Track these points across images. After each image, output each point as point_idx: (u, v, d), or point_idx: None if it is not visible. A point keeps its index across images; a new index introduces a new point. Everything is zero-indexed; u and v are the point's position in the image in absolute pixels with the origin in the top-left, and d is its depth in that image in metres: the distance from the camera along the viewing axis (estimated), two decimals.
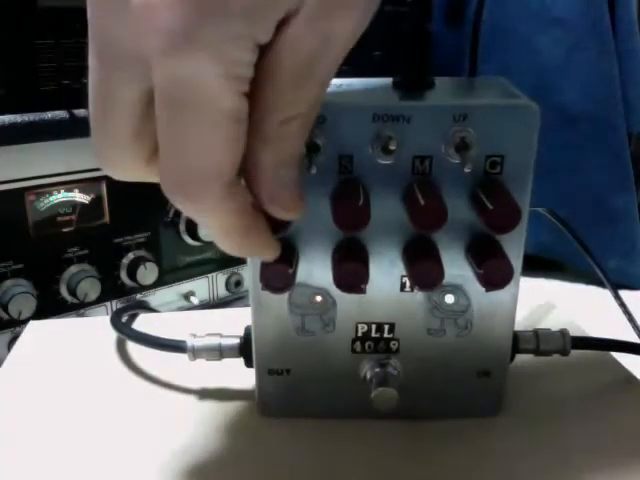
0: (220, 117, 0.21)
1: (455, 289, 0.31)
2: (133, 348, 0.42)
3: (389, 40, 0.82)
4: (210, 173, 0.22)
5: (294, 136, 0.23)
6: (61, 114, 0.65)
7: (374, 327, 0.32)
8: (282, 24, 0.20)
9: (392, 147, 0.28)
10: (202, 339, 0.35)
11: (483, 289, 0.29)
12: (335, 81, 0.30)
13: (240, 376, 0.36)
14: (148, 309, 0.53)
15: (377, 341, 0.33)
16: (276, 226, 0.27)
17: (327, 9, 0.20)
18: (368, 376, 0.32)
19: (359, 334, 0.33)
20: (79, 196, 0.69)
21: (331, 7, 0.20)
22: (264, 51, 0.21)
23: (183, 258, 0.79)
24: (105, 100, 0.23)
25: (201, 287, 0.82)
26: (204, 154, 0.21)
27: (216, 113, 0.21)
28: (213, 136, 0.21)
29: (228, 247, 0.25)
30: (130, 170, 0.25)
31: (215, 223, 0.24)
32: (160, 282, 0.77)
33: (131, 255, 0.73)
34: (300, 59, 0.21)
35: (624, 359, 0.40)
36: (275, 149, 0.23)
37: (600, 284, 0.45)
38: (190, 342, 0.35)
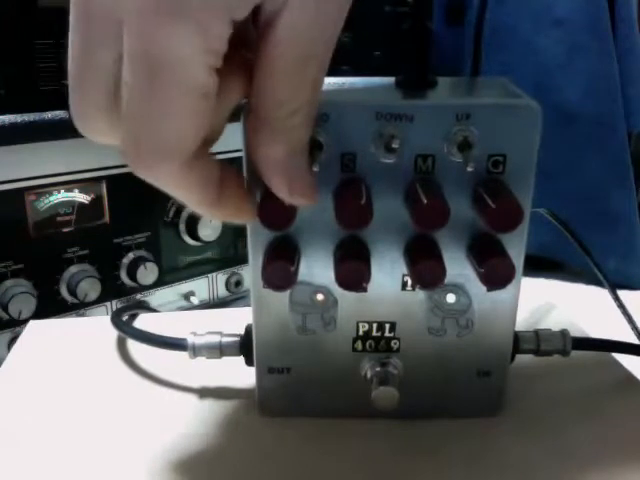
0: (188, 89, 0.21)
1: (456, 288, 0.31)
2: (133, 348, 0.42)
3: (389, 40, 0.82)
4: (169, 144, 0.22)
5: (302, 124, 0.23)
6: (61, 114, 0.65)
7: (375, 326, 0.32)
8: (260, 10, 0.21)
9: (395, 146, 0.28)
10: (202, 337, 0.35)
11: (484, 288, 0.29)
12: (337, 80, 0.30)
13: (240, 374, 0.36)
14: (148, 309, 0.53)
15: (378, 340, 0.33)
16: (278, 223, 0.27)
17: None
18: (369, 375, 0.32)
19: (360, 333, 0.33)
20: (79, 196, 0.68)
21: None
22: (261, 46, 0.21)
23: (183, 258, 0.79)
24: (83, 59, 0.23)
25: (201, 287, 0.82)
26: (166, 124, 0.21)
27: (185, 84, 0.21)
28: (178, 107, 0.21)
29: (199, 212, 0.26)
30: (105, 133, 0.25)
31: (177, 194, 0.24)
32: (160, 282, 0.76)
33: (131, 255, 0.73)
34: (299, 45, 0.21)
35: (624, 359, 0.40)
36: (285, 140, 0.23)
37: (600, 284, 0.45)
38: (190, 340, 0.35)
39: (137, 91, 0.21)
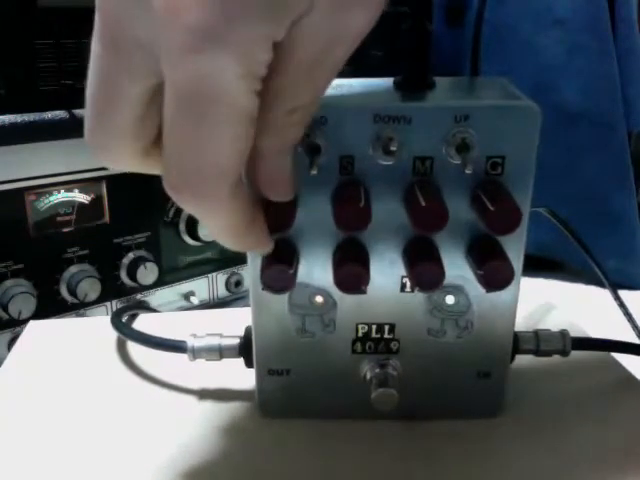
0: (235, 116, 0.21)
1: (455, 290, 0.31)
2: (133, 348, 0.42)
3: (389, 40, 0.82)
4: (220, 171, 0.22)
5: (298, 124, 0.23)
6: (61, 114, 0.65)
7: (374, 328, 0.32)
8: (296, 20, 0.21)
9: (393, 148, 0.28)
10: (202, 339, 0.35)
11: (483, 290, 0.29)
12: (335, 81, 0.30)
13: (240, 376, 0.36)
14: (148, 309, 0.53)
15: (377, 342, 0.33)
16: (276, 226, 0.27)
17: (343, 5, 0.21)
18: (368, 376, 0.32)
19: (359, 334, 0.33)
20: (79, 196, 0.68)
21: (347, 3, 0.21)
22: (276, 45, 0.21)
23: (183, 258, 0.79)
24: (109, 89, 0.23)
25: (201, 287, 0.82)
26: (216, 152, 0.21)
27: (232, 112, 0.21)
28: (226, 135, 0.21)
29: (227, 243, 0.26)
30: (127, 161, 0.25)
31: (218, 222, 0.24)
32: (160, 282, 0.77)
33: (131, 255, 0.73)
34: (314, 53, 0.21)
35: (624, 359, 0.40)
36: (278, 137, 0.23)
37: (600, 284, 0.45)
38: (190, 342, 0.35)
39: (182, 122, 0.21)
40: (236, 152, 0.22)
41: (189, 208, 0.23)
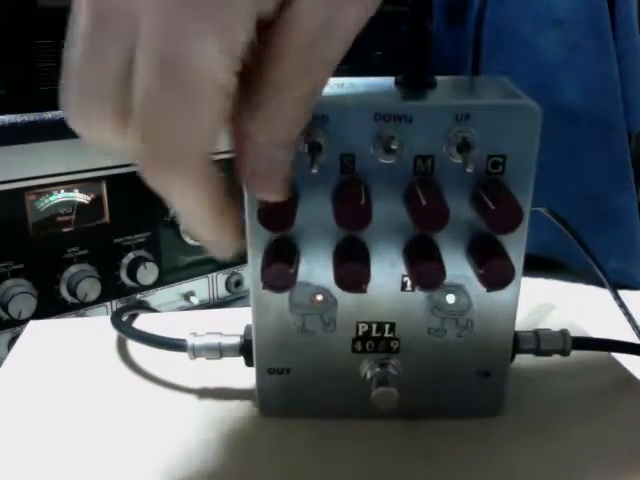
0: (212, 92, 0.21)
1: (456, 289, 0.31)
2: (133, 348, 0.42)
3: (389, 40, 0.82)
4: (193, 145, 0.21)
5: (296, 117, 0.23)
6: (61, 114, 0.64)
7: (375, 327, 0.32)
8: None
9: (394, 147, 0.28)
10: (202, 338, 0.35)
11: (484, 289, 0.29)
12: (337, 80, 0.30)
13: (240, 375, 0.36)
14: (148, 309, 0.53)
15: (378, 341, 0.33)
16: (277, 225, 0.27)
17: None
18: (368, 376, 0.32)
19: (360, 333, 0.33)
20: (79, 196, 0.68)
21: None
22: (271, 31, 0.21)
23: (183, 258, 0.79)
24: (89, 57, 0.22)
25: (201, 287, 0.82)
26: (188, 125, 0.21)
27: (209, 87, 0.20)
28: (202, 109, 0.21)
29: (200, 228, 0.25)
30: (106, 129, 0.24)
31: (185, 203, 0.23)
32: (160, 282, 0.76)
33: (131, 255, 0.73)
34: (309, 36, 0.21)
35: (624, 359, 0.40)
36: (274, 129, 0.23)
37: (600, 284, 0.45)
38: (190, 341, 0.35)
39: (156, 92, 0.21)
40: (211, 127, 0.21)
41: (157, 184, 0.22)
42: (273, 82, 0.22)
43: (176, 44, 0.20)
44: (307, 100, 0.23)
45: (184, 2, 0.19)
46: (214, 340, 0.35)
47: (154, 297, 0.77)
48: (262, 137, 0.23)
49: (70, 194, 0.68)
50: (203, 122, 0.21)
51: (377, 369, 0.32)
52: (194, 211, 0.24)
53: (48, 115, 0.64)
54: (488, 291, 0.29)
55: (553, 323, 0.43)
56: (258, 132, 0.23)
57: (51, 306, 0.68)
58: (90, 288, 0.69)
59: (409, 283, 0.31)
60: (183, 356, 0.36)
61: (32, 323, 0.47)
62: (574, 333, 0.36)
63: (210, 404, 0.36)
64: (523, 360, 0.36)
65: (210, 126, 0.21)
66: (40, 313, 0.65)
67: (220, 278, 0.83)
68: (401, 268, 0.31)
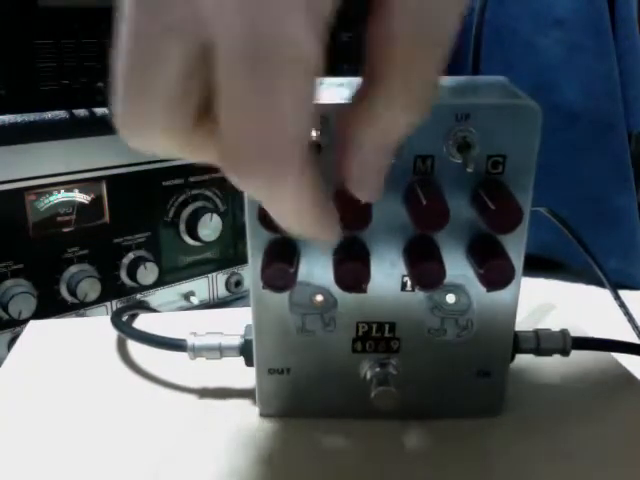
0: (305, 72, 0.18)
1: (456, 289, 0.31)
2: (133, 348, 0.42)
3: None
4: (295, 135, 0.19)
5: (406, 122, 0.21)
6: (61, 114, 0.65)
7: (375, 327, 0.32)
8: None
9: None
10: (202, 338, 0.35)
11: (484, 289, 0.29)
12: (336, 80, 0.30)
13: (240, 375, 0.36)
14: (148, 309, 0.53)
15: (378, 341, 0.33)
16: (277, 225, 0.27)
17: None
18: (368, 376, 0.32)
19: (360, 333, 0.33)
20: (79, 196, 0.68)
21: None
22: (375, 26, 0.19)
23: (183, 258, 0.79)
24: (147, 52, 0.19)
25: (201, 287, 0.82)
26: (285, 117, 0.18)
27: (301, 69, 0.18)
28: (297, 95, 0.18)
29: (293, 227, 0.22)
30: (168, 140, 0.21)
31: (285, 205, 0.21)
32: (160, 282, 0.76)
33: (131, 255, 0.73)
34: (424, 27, 0.19)
35: (624, 359, 0.40)
36: (384, 135, 0.21)
37: (600, 284, 0.45)
38: (190, 341, 0.35)
39: (243, 88, 0.18)
40: (307, 115, 0.19)
41: (253, 188, 0.20)
42: (393, 87, 0.20)
43: (256, 30, 0.17)
44: (424, 105, 0.21)
45: None
46: (214, 340, 0.35)
47: (154, 297, 0.77)
48: (369, 140, 0.21)
49: (70, 194, 0.68)
50: (299, 109, 0.19)
51: (377, 369, 0.32)
52: (292, 214, 0.21)
53: (48, 115, 0.64)
54: (488, 291, 0.29)
55: (553, 323, 0.42)
56: (365, 135, 0.21)
57: (51, 306, 0.68)
58: (90, 288, 0.69)
59: (409, 283, 0.31)
60: (183, 356, 0.35)
61: (32, 323, 0.47)
62: (574, 333, 0.36)
63: (210, 404, 0.36)
64: (523, 360, 0.36)
65: (306, 112, 0.19)
66: (40, 313, 0.65)
67: (220, 278, 0.83)
68: (401, 268, 0.31)
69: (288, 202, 0.21)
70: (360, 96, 0.21)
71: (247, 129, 0.19)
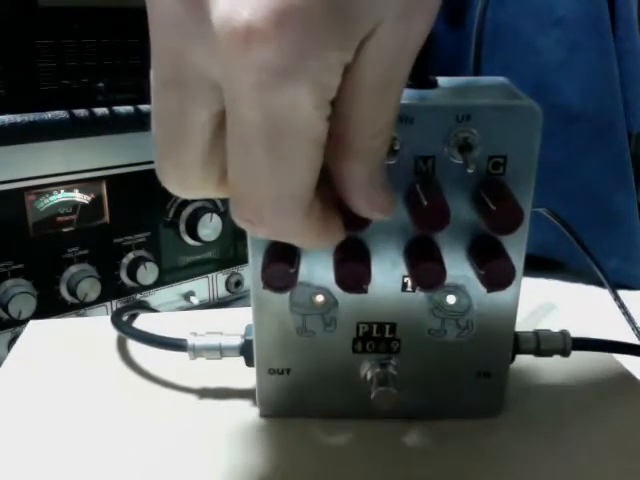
0: (312, 145, 0.21)
1: (456, 289, 0.31)
2: (133, 348, 0.42)
3: None
4: (298, 199, 0.21)
5: (383, 145, 0.23)
6: (61, 114, 0.65)
7: (375, 327, 0.32)
8: (364, 38, 0.20)
9: (395, 147, 0.28)
10: (203, 338, 0.35)
11: (484, 290, 0.29)
12: None
13: (240, 375, 0.36)
14: (148, 309, 0.53)
15: (378, 341, 0.33)
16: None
17: (406, 17, 0.20)
18: (369, 376, 0.32)
19: (360, 334, 0.33)
20: (79, 196, 0.68)
21: (409, 14, 0.20)
22: (346, 71, 0.21)
23: (183, 258, 0.79)
24: (175, 124, 0.22)
25: (201, 287, 0.82)
26: (293, 182, 0.21)
27: (309, 142, 0.20)
28: (304, 165, 0.21)
29: (304, 246, 0.26)
30: (201, 190, 0.25)
31: (293, 240, 0.24)
32: (160, 282, 0.77)
33: (131, 255, 0.73)
34: (383, 70, 0.21)
35: (624, 359, 0.40)
36: (368, 162, 0.23)
37: (600, 284, 0.45)
38: (191, 341, 0.35)
39: (254, 157, 0.21)
40: (312, 179, 0.21)
41: (262, 235, 0.23)
42: (356, 120, 0.21)
43: (268, 111, 0.19)
44: (390, 127, 0.23)
45: (271, 68, 0.19)
46: (214, 340, 0.35)
47: (154, 297, 0.77)
48: (358, 171, 0.23)
49: (70, 194, 0.68)
50: (306, 176, 0.21)
51: (377, 369, 0.32)
52: (300, 243, 0.25)
53: (48, 115, 0.64)
54: (489, 292, 0.29)
55: (553, 323, 0.43)
56: (352, 168, 0.22)
57: (51, 306, 0.68)
58: (90, 288, 0.69)
59: (410, 283, 0.31)
60: (183, 356, 0.35)
61: (32, 323, 0.47)
62: (574, 333, 0.36)
63: (210, 404, 0.36)
64: (523, 360, 0.36)
65: (312, 177, 0.21)
66: (40, 313, 0.65)
67: (220, 278, 0.83)
68: (402, 268, 0.31)
69: (295, 240, 0.24)
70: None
71: (248, 194, 0.22)
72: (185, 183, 0.24)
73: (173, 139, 0.23)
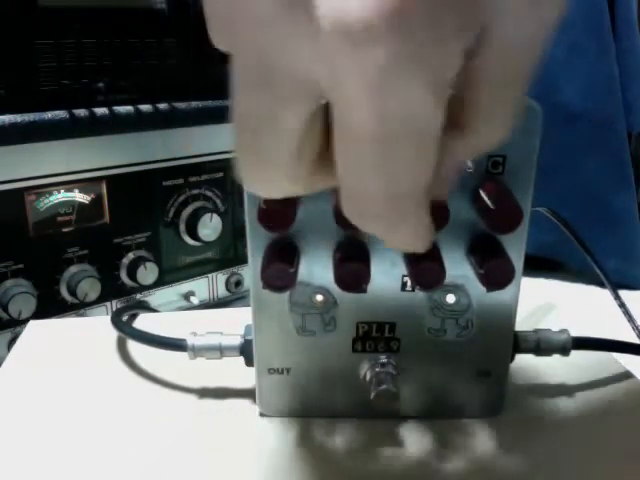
0: (432, 142, 0.19)
1: (456, 289, 0.31)
2: (133, 348, 0.42)
3: None
4: (413, 195, 0.21)
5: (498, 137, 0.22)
6: (61, 114, 0.65)
7: (375, 327, 0.32)
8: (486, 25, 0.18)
9: None
10: (202, 337, 0.35)
11: (484, 289, 0.29)
12: None
13: (240, 375, 0.36)
14: (148, 309, 0.53)
15: (378, 341, 0.33)
16: (277, 225, 0.27)
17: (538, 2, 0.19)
18: (368, 376, 0.32)
19: (360, 333, 0.33)
20: (79, 196, 0.68)
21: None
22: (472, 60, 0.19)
23: (183, 258, 0.79)
24: (264, 126, 0.21)
25: (201, 287, 0.82)
26: (411, 179, 0.20)
27: (429, 140, 0.19)
28: (423, 162, 0.20)
29: (401, 248, 0.24)
30: (290, 189, 0.23)
31: (399, 238, 0.23)
32: (160, 282, 0.76)
33: (131, 255, 0.73)
34: (510, 62, 0.20)
35: (624, 359, 0.40)
36: (475, 150, 0.22)
37: (600, 284, 0.45)
38: (190, 340, 0.35)
39: (372, 156, 0.19)
40: (430, 170, 0.20)
41: (371, 231, 0.22)
42: (486, 112, 0.21)
43: (386, 112, 0.18)
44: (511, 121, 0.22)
45: (391, 65, 0.17)
46: (214, 340, 0.35)
47: (154, 297, 0.77)
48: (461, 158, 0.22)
49: (70, 194, 0.68)
50: (424, 172, 0.20)
51: (377, 369, 0.32)
52: (403, 245, 0.23)
53: (48, 115, 0.64)
54: (488, 291, 0.29)
55: (553, 323, 0.42)
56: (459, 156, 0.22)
57: (51, 306, 0.68)
58: (90, 288, 0.69)
59: (409, 283, 0.31)
60: (183, 356, 0.36)
61: (32, 323, 0.47)
62: (574, 333, 0.36)
63: (210, 404, 0.36)
64: (523, 360, 0.36)
65: (430, 172, 0.20)
66: (40, 313, 0.65)
67: (220, 278, 0.83)
68: (401, 268, 0.31)
69: (403, 239, 0.23)
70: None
71: (364, 191, 0.20)
72: (272, 185, 0.23)
73: (260, 140, 0.21)
